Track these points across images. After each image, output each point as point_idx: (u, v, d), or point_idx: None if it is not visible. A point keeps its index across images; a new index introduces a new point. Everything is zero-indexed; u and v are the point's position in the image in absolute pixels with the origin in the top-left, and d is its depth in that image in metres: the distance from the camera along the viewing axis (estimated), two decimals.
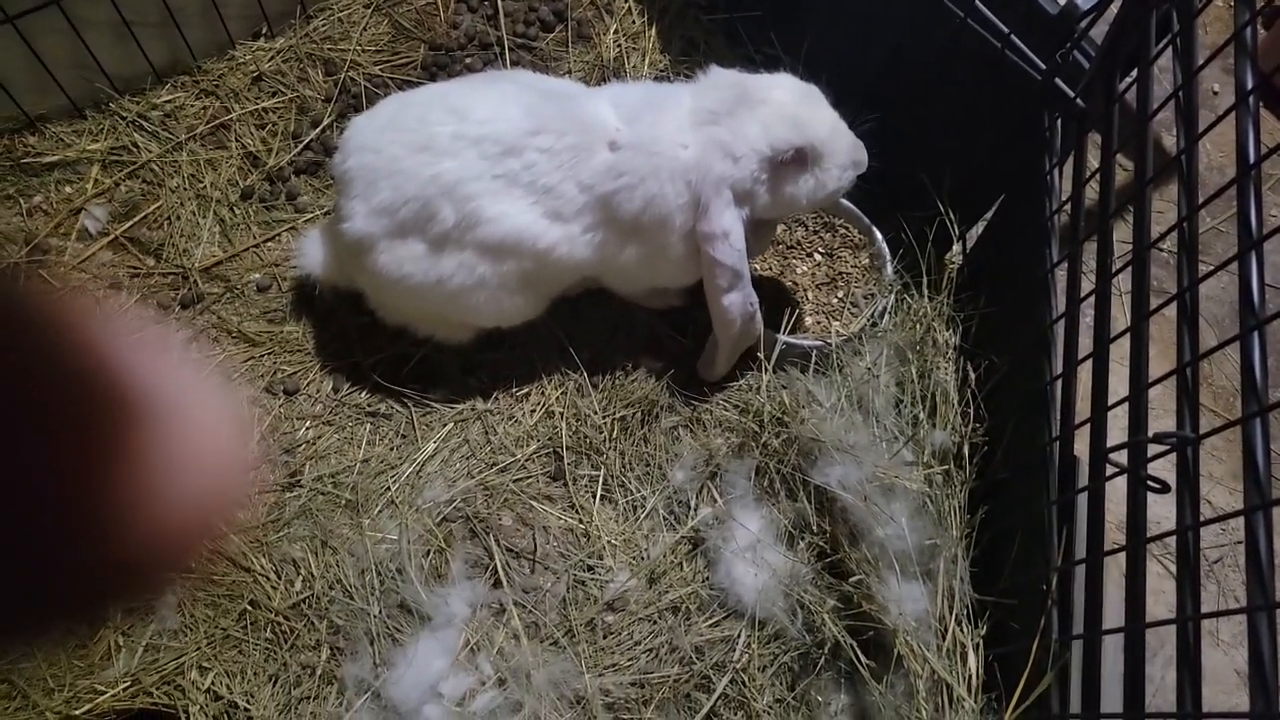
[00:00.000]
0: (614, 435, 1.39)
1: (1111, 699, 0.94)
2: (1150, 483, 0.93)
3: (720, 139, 1.20)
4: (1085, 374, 1.09)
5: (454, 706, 1.17)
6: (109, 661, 1.26)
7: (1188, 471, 0.88)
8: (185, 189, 1.60)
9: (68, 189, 1.60)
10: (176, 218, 1.57)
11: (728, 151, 1.20)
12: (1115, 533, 1.34)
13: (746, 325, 1.30)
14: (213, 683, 1.24)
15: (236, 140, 1.64)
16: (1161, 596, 1.35)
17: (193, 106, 1.66)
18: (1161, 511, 1.39)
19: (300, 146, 1.63)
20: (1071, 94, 1.24)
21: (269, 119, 1.66)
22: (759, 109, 1.21)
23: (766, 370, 1.35)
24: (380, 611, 1.26)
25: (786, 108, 1.22)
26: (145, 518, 0.31)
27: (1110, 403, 1.02)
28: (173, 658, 1.26)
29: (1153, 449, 0.95)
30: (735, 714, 1.20)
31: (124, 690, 1.23)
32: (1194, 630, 0.83)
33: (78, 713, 1.21)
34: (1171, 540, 1.42)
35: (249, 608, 1.29)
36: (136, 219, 1.57)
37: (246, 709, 1.22)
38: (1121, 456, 0.97)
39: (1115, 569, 1.03)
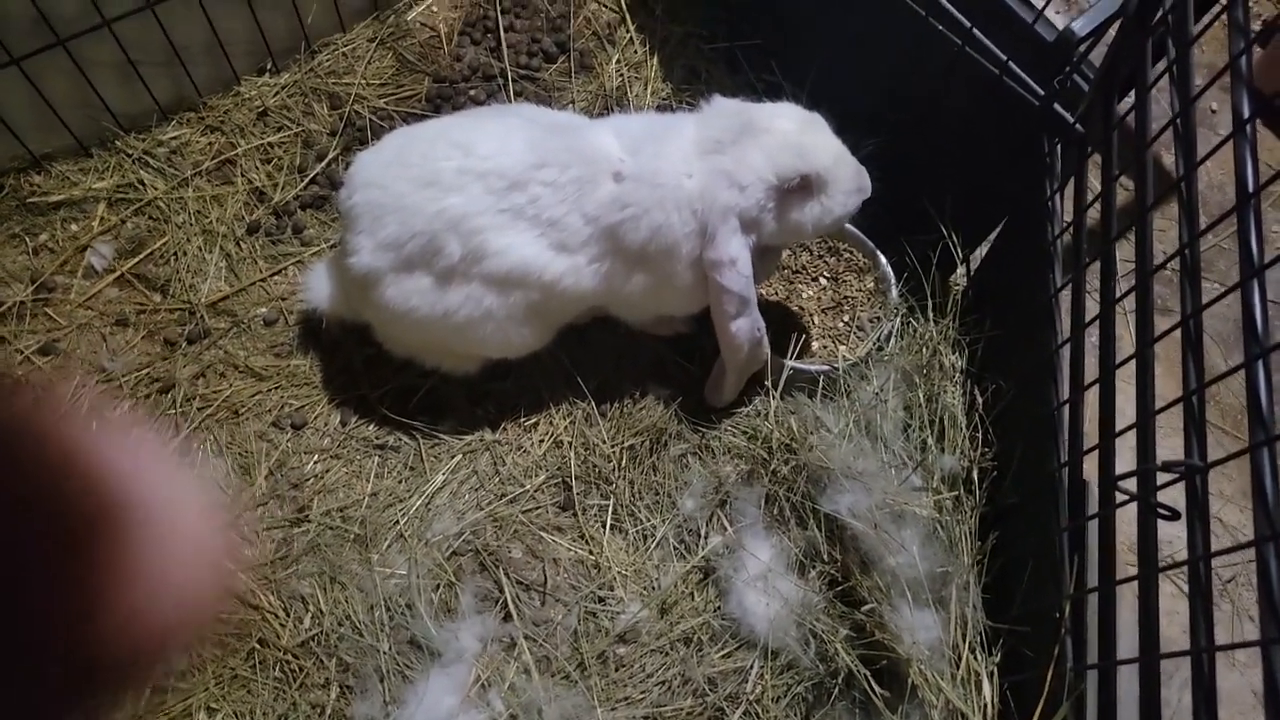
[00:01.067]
0: (623, 464, 1.39)
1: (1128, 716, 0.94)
2: (1160, 510, 0.93)
3: (725, 168, 1.22)
4: (1093, 396, 1.09)
5: None
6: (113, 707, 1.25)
7: (1197, 499, 0.88)
8: (191, 225, 1.61)
9: (74, 227, 1.61)
10: (183, 253, 1.58)
11: (734, 180, 1.22)
12: (1127, 554, 1.34)
13: (754, 350, 1.30)
14: None
15: (242, 175, 1.65)
16: (1175, 617, 1.34)
17: (198, 143, 1.67)
18: (1173, 531, 1.38)
19: (306, 181, 1.65)
20: (1070, 119, 1.25)
21: (274, 154, 1.67)
22: (763, 138, 1.22)
23: (774, 396, 1.35)
24: (390, 648, 1.26)
25: (791, 136, 1.23)
26: (126, 620, 0.33)
27: (1118, 428, 1.02)
28: (180, 700, 1.25)
29: (1162, 475, 0.95)
30: None
31: None
32: (1209, 660, 0.83)
33: None
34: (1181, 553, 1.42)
35: (257, 646, 1.28)
36: (143, 255, 1.58)
37: None
38: (1130, 484, 0.97)
39: (1129, 592, 1.03)
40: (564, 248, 1.25)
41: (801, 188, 1.24)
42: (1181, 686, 1.33)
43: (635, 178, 1.22)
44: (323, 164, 1.65)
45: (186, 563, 0.36)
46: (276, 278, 1.58)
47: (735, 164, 1.22)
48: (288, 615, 1.30)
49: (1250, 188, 0.84)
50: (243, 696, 1.25)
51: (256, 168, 1.66)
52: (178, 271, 1.57)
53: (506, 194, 1.22)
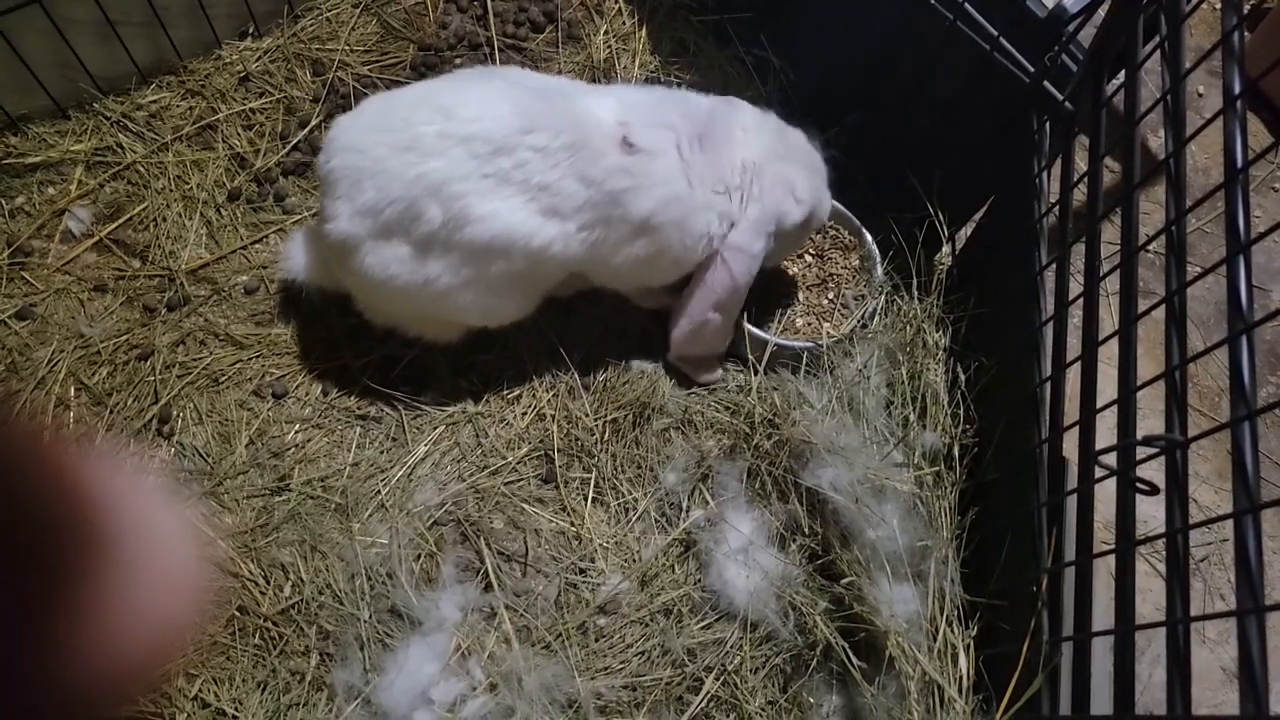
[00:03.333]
0: (605, 437, 1.39)
1: (1100, 699, 0.95)
2: (1139, 485, 0.94)
3: (788, 177, 1.33)
4: (1075, 375, 1.09)
5: (445, 713, 1.17)
6: None
7: (1176, 474, 0.89)
8: (171, 190, 1.58)
9: (51, 190, 1.58)
10: (162, 219, 1.56)
11: (791, 191, 1.33)
12: (1104, 533, 1.35)
13: (710, 344, 1.38)
14: (200, 690, 1.23)
15: (223, 141, 1.62)
16: (1149, 595, 1.36)
17: (178, 107, 1.64)
18: (1148, 510, 1.40)
19: (288, 148, 1.62)
20: (1060, 96, 1.25)
21: (256, 120, 1.64)
22: (810, 171, 1.37)
23: (758, 372, 1.35)
24: (370, 616, 1.26)
25: (821, 172, 1.39)
26: (98, 649, 0.32)
27: (1099, 405, 1.02)
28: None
29: (1141, 450, 0.96)
30: (727, 716, 1.20)
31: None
32: (1184, 632, 0.84)
33: None
34: (1159, 540, 1.43)
35: (237, 613, 1.28)
36: (121, 220, 1.55)
37: (235, 716, 1.21)
38: (1110, 459, 0.97)
39: (1104, 569, 1.04)
40: (554, 213, 1.23)
41: (806, 223, 1.38)
42: (1152, 662, 1.35)
43: (652, 151, 1.23)
44: (305, 131, 1.63)
45: (166, 592, 0.37)
46: (258, 245, 1.56)
47: (795, 178, 1.33)
48: (268, 583, 1.29)
49: (1239, 163, 0.84)
50: (222, 663, 1.25)
51: (238, 134, 1.63)
52: (157, 237, 1.54)
53: (491, 159, 1.20)
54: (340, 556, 1.30)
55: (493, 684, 1.19)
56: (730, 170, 1.30)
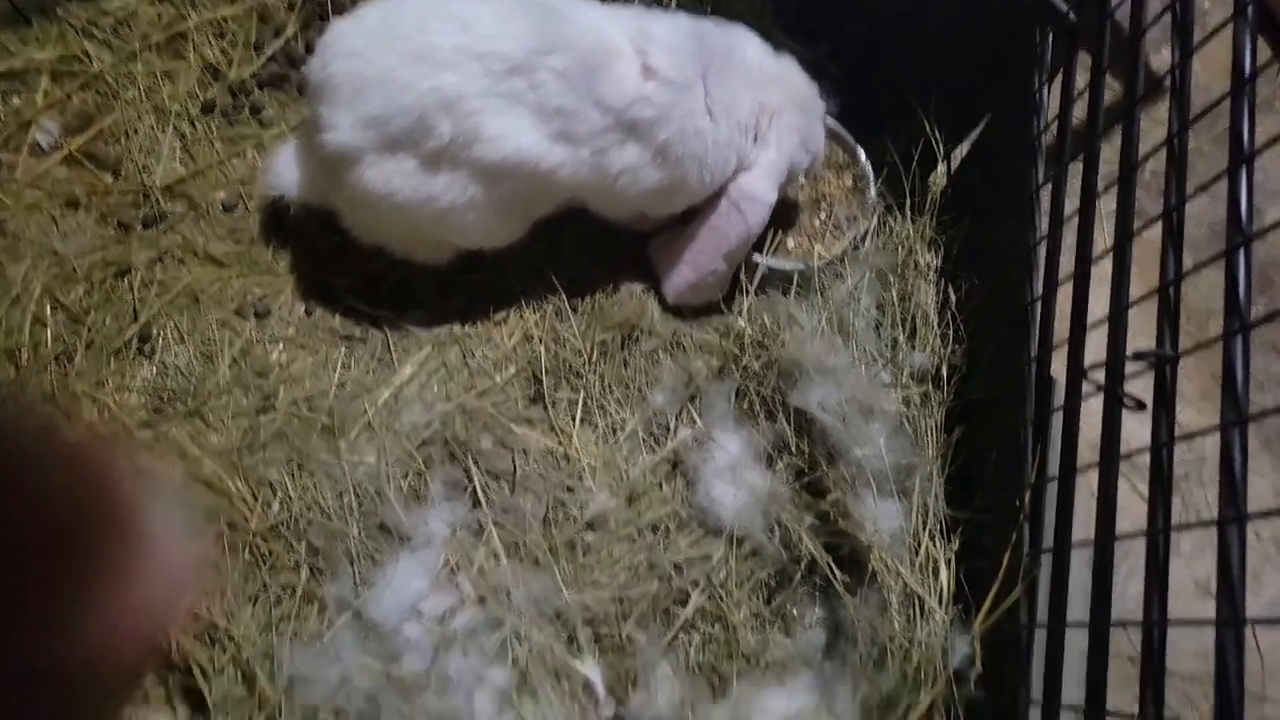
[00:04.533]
0: (594, 359, 1.38)
1: (1076, 609, 0.97)
2: (1127, 401, 0.94)
3: (802, 128, 1.33)
4: (1065, 297, 1.09)
5: (434, 625, 1.18)
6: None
7: (1165, 389, 0.89)
8: (142, 102, 1.52)
9: (16, 100, 1.52)
10: (134, 132, 1.50)
11: (806, 143, 1.34)
12: (1087, 454, 1.36)
13: (709, 291, 1.38)
14: (191, 603, 1.24)
15: (195, 50, 1.56)
16: (1126, 512, 1.37)
17: (146, 13, 1.57)
18: (1130, 430, 1.41)
19: (263, 59, 1.56)
20: (1064, 8, 1.21)
21: (228, 29, 1.58)
22: (820, 121, 1.37)
23: (748, 293, 1.34)
24: (359, 533, 1.26)
25: (823, 118, 1.40)
26: (110, 633, 0.35)
27: (1089, 323, 1.02)
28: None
29: (1130, 370, 0.96)
30: (713, 627, 1.23)
31: None
32: (1164, 542, 0.85)
33: None
34: (1139, 460, 1.45)
35: (226, 529, 1.28)
36: (91, 133, 1.50)
37: (227, 629, 1.22)
38: (1099, 375, 0.98)
39: (1085, 488, 1.05)
40: (567, 137, 1.20)
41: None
42: (1127, 576, 1.38)
43: (675, 81, 1.20)
44: (280, 40, 1.57)
45: (166, 584, 0.39)
46: (235, 160, 1.52)
47: (809, 128, 1.34)
48: (255, 500, 1.29)
49: (1247, 71, 0.82)
50: (212, 578, 1.25)
51: (209, 42, 1.57)
52: (129, 151, 1.49)
53: (506, 78, 1.16)
54: (328, 475, 1.30)
55: (481, 597, 1.20)
56: (748, 110, 1.29)
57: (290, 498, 1.29)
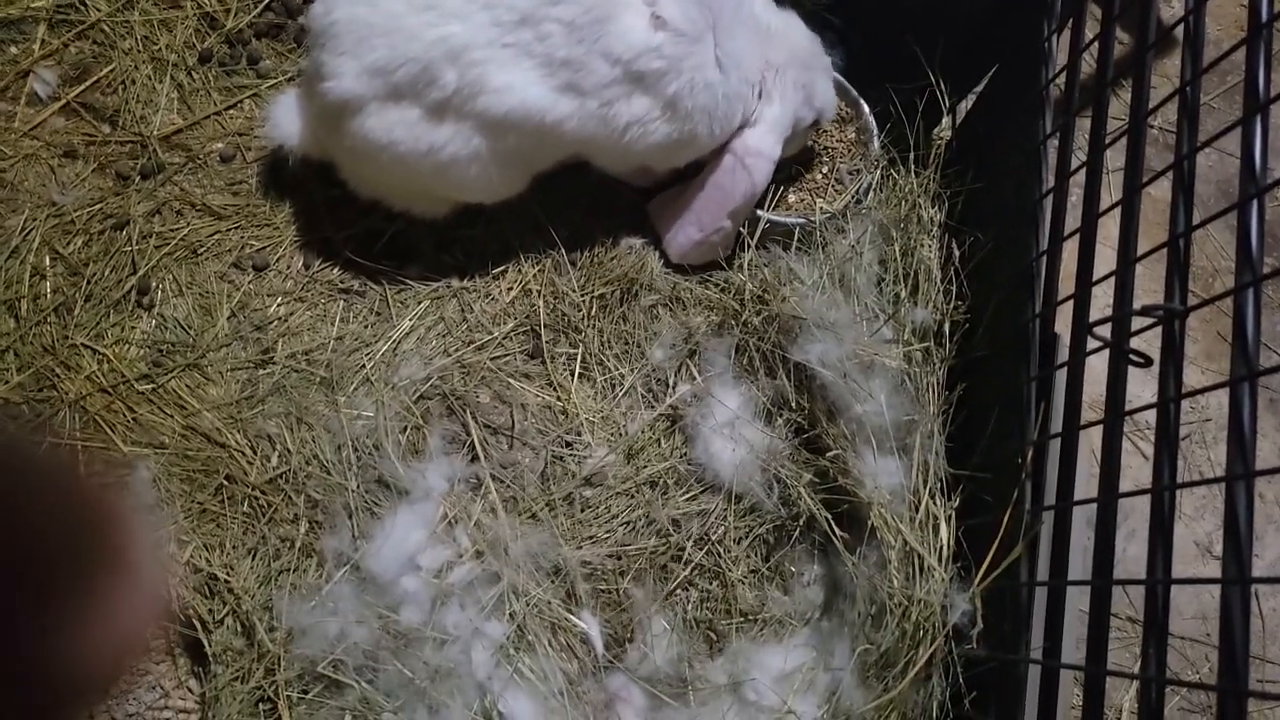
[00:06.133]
0: (592, 313, 1.37)
1: (1076, 569, 0.96)
2: (1133, 357, 0.93)
3: (806, 84, 1.31)
4: (1070, 253, 1.07)
5: (432, 578, 1.19)
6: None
7: (1173, 344, 0.88)
8: (139, 51, 1.50)
9: (13, 49, 1.50)
10: (131, 82, 1.49)
11: (810, 100, 1.32)
12: (1090, 413, 1.35)
13: (712, 250, 1.35)
14: (192, 556, 1.24)
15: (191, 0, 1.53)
16: (1128, 472, 1.38)
17: None
18: (1134, 390, 1.40)
19: (260, 7, 1.54)
20: None
21: None
22: (826, 74, 1.36)
23: (749, 248, 1.32)
24: (358, 486, 1.26)
25: (830, 74, 1.37)
26: (78, 643, 0.38)
27: (1095, 278, 1.00)
28: (150, 531, 1.25)
29: (1135, 327, 0.94)
30: (711, 583, 1.23)
31: None
32: (1169, 499, 0.84)
33: None
34: (1141, 418, 1.44)
35: (225, 482, 1.28)
36: (89, 83, 1.48)
37: (227, 581, 1.23)
38: (1105, 331, 0.96)
39: (1086, 446, 1.04)
40: (574, 90, 1.18)
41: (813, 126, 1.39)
42: (1127, 538, 1.38)
43: (685, 33, 1.18)
44: None
45: (138, 604, 0.42)
46: (232, 111, 1.50)
47: (813, 83, 1.32)
48: (255, 453, 1.29)
49: (1264, 16, 0.79)
50: (212, 530, 1.26)
51: None
52: (126, 101, 1.48)
53: (515, 29, 1.14)
54: (326, 428, 1.30)
55: (479, 551, 1.21)
56: (755, 64, 1.27)
57: (289, 451, 1.29)
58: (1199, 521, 1.37)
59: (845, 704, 1.10)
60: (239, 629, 1.20)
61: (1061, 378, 1.04)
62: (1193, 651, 1.30)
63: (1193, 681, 0.79)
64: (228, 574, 1.23)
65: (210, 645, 1.20)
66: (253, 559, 1.25)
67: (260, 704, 1.14)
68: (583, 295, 1.37)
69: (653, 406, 1.32)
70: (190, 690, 1.25)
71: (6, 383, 1.31)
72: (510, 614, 1.17)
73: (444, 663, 1.12)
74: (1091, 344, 0.97)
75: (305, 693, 1.12)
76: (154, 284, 1.37)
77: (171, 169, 1.44)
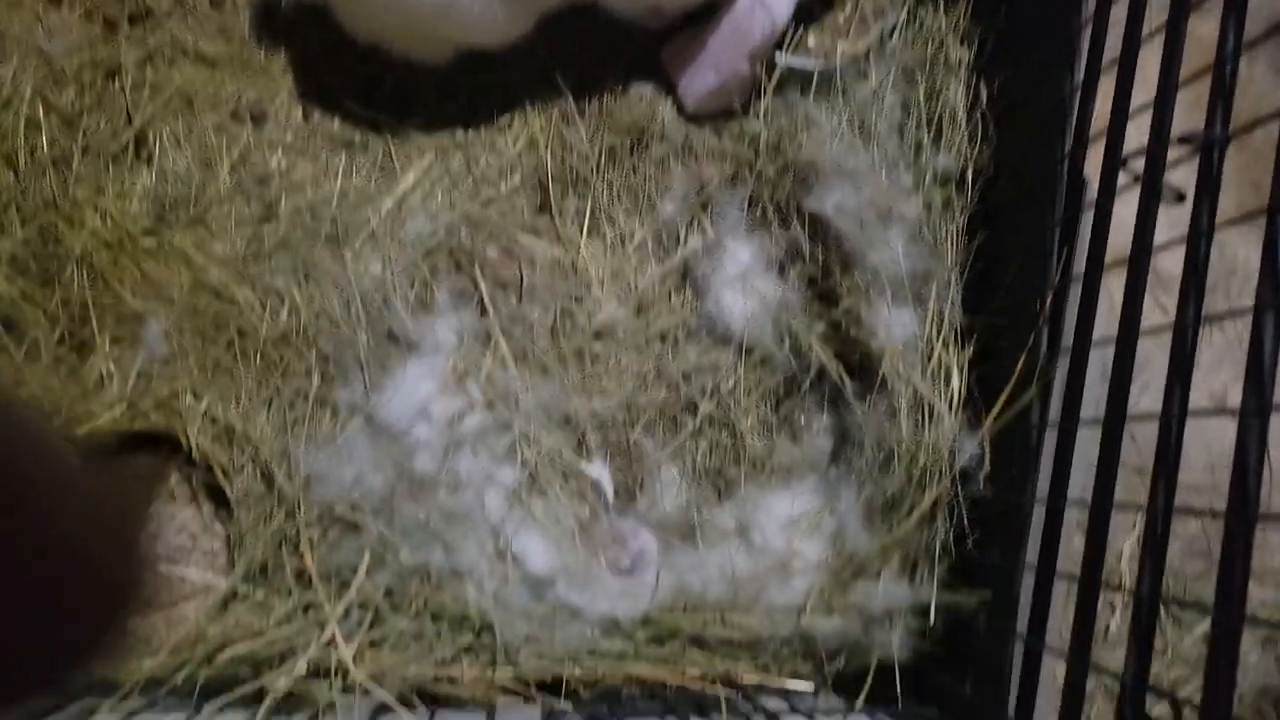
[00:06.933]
0: (601, 165, 1.32)
1: (1091, 410, 0.96)
2: (1165, 192, 0.89)
3: None
4: (1105, 96, 1.01)
5: (444, 427, 1.20)
6: (103, 388, 1.28)
7: (1210, 174, 0.84)
8: None
9: None
10: None
11: None
12: (1115, 269, 1.32)
13: (729, 96, 1.26)
14: (208, 407, 1.26)
15: None
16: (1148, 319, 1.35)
17: None
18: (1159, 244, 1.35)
19: None
20: None
21: None
22: None
23: (764, 94, 1.26)
24: (368, 340, 1.26)
25: None
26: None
27: (1133, 110, 0.95)
28: (166, 383, 1.27)
29: (1170, 163, 0.90)
30: (720, 434, 1.23)
31: (121, 414, 1.26)
32: (1192, 336, 0.82)
33: (79, 433, 1.24)
34: (1166, 270, 1.40)
35: (236, 337, 1.28)
36: None
37: (245, 430, 1.24)
38: (1138, 167, 0.92)
39: (1105, 302, 1.01)
40: None
41: None
42: (1140, 391, 1.37)
43: None
44: None
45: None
46: None
47: None
48: (264, 308, 1.29)
49: None
50: (227, 383, 1.27)
51: None
52: None
53: None
54: (334, 284, 1.29)
55: (490, 402, 1.21)
56: None
57: (298, 306, 1.29)
58: (1215, 373, 1.36)
59: (850, 546, 1.12)
60: (258, 476, 1.23)
61: (1087, 223, 1.01)
62: (1197, 499, 1.31)
63: (1202, 510, 0.79)
64: (245, 424, 1.25)
65: (232, 491, 1.23)
66: (268, 410, 1.26)
67: (282, 544, 1.18)
68: (591, 146, 1.33)
69: (663, 260, 1.30)
70: (215, 533, 1.30)
71: (11, 237, 1.30)
72: (522, 461, 1.18)
73: (457, 507, 1.15)
74: (1124, 179, 0.93)
75: (326, 533, 1.16)
76: (151, 136, 1.34)
77: (160, 14, 1.38)
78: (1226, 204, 1.45)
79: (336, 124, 1.36)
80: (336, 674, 1.11)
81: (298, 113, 1.37)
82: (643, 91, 1.35)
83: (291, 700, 1.12)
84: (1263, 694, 1.31)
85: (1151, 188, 0.89)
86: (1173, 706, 0.79)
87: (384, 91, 1.36)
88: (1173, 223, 0.92)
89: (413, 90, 1.37)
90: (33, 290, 1.30)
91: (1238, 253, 1.42)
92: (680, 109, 1.34)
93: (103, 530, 0.43)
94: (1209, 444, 1.33)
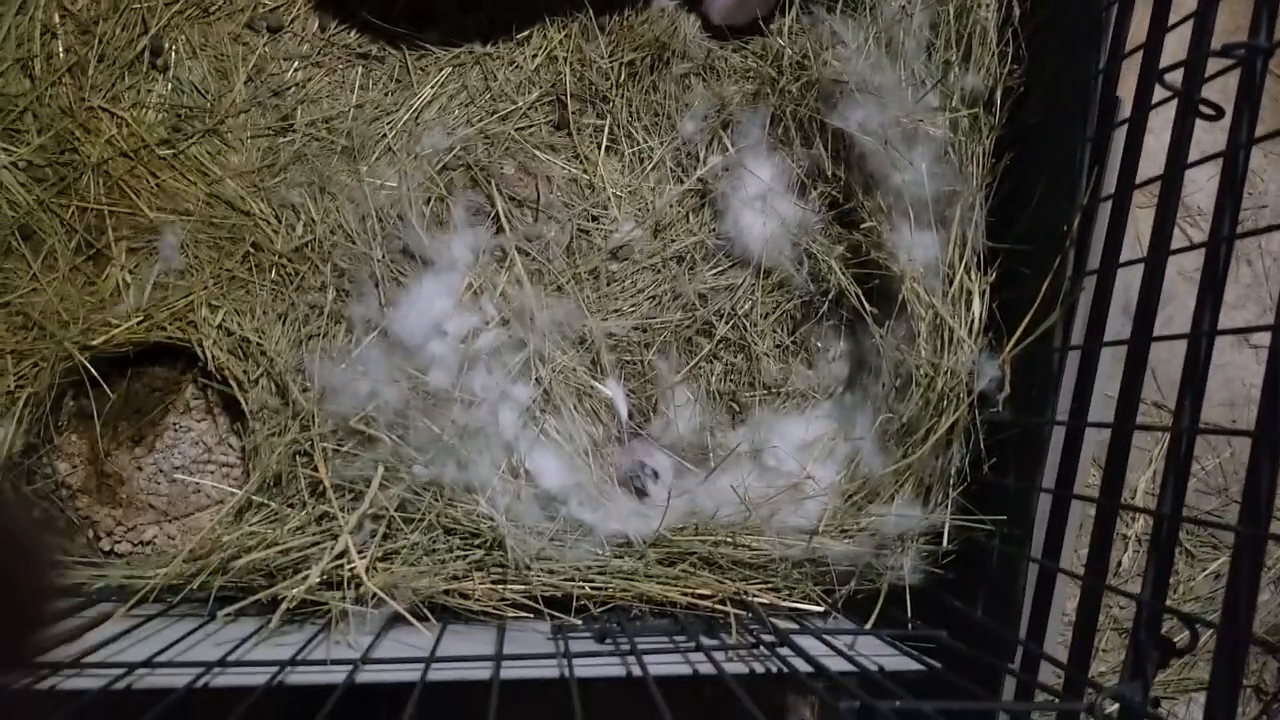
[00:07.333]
0: (621, 82, 1.30)
1: (1114, 329, 0.94)
2: (1203, 107, 0.86)
3: None
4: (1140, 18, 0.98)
5: (459, 343, 1.19)
6: (119, 298, 1.28)
7: (1252, 88, 0.81)
8: None
9: None
10: None
11: None
12: (1142, 195, 1.28)
13: (751, 7, 1.22)
14: (224, 320, 1.26)
15: None
16: (1173, 261, 1.32)
17: None
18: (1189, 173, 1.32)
19: None
20: None
21: None
22: None
23: (790, 8, 1.23)
24: (383, 255, 1.25)
25: None
26: None
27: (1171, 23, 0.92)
28: (181, 295, 1.27)
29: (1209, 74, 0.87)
30: (735, 357, 1.23)
31: (137, 324, 1.26)
32: (1225, 251, 0.80)
33: (95, 343, 1.25)
34: (1194, 203, 1.37)
35: (252, 250, 1.28)
36: None
37: (259, 343, 1.25)
38: (1175, 81, 0.89)
39: (1131, 231, 0.99)
40: None
41: None
42: (1162, 327, 1.35)
43: None
44: None
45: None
46: None
47: None
48: (279, 222, 1.28)
49: None
50: (242, 296, 1.27)
51: None
52: None
53: None
54: (350, 198, 1.28)
55: (504, 319, 1.21)
56: None
57: (314, 220, 1.28)
58: (1240, 310, 1.33)
59: (864, 470, 1.12)
60: (273, 389, 1.24)
61: (1118, 143, 0.98)
62: (1216, 440, 1.30)
63: (1227, 429, 0.78)
64: (260, 337, 1.25)
65: (247, 403, 1.24)
66: (283, 324, 1.26)
67: (297, 456, 1.19)
68: (611, 62, 1.30)
69: (682, 181, 1.27)
70: (231, 446, 1.31)
71: (28, 144, 1.29)
72: (536, 379, 1.18)
73: (472, 422, 1.15)
74: (1159, 94, 0.90)
75: (340, 446, 1.16)
76: (167, 44, 1.32)
77: None
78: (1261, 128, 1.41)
79: (353, 35, 1.34)
80: (349, 585, 1.12)
81: (314, 23, 1.34)
82: (664, 5, 1.31)
83: (304, 609, 1.13)
84: (1273, 632, 1.31)
85: (1189, 100, 0.86)
86: (1187, 625, 0.79)
87: (402, 3, 1.33)
88: (1199, 148, 0.90)
89: (431, 3, 1.34)
90: (49, 199, 1.30)
91: (1269, 187, 1.38)
92: (705, 21, 1.30)
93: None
94: (1229, 380, 1.31)
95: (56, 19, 1.32)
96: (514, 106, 1.31)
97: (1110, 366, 0.98)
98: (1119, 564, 1.31)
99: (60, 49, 1.31)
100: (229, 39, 1.33)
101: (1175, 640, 0.84)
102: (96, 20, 1.32)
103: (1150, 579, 0.82)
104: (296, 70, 1.33)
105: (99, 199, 1.29)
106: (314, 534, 1.18)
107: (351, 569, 1.11)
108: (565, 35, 1.33)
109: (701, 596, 1.12)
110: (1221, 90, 0.85)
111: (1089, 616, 0.90)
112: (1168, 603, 0.83)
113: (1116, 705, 0.79)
